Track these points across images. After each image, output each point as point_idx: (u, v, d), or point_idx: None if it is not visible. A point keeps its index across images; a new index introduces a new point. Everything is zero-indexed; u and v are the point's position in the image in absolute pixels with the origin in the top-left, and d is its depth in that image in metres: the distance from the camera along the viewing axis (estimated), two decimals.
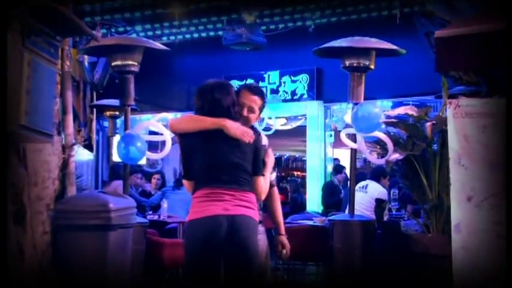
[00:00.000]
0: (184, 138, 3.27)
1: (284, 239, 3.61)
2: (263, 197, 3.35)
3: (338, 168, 9.22)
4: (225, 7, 7.83)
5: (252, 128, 3.31)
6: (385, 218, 6.37)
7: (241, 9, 7.81)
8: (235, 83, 8.97)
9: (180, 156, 3.37)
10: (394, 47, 5.30)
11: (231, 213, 3.13)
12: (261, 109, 3.50)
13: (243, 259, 3.15)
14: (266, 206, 3.63)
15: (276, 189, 3.64)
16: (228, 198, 3.16)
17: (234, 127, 3.20)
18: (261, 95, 3.50)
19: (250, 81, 9.27)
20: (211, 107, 3.23)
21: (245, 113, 3.42)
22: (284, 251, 3.60)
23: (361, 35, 5.41)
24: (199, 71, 9.35)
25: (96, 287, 4.04)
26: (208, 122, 3.21)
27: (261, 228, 3.43)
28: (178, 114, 9.23)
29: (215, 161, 3.20)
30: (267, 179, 3.36)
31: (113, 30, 8.28)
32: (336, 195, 8.65)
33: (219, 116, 3.22)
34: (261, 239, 3.41)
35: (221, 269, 3.18)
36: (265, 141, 3.45)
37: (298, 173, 18.87)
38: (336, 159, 10.42)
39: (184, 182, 3.34)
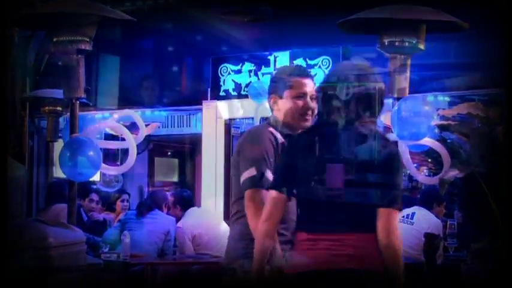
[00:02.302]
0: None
1: None
2: (394, 242, 2.92)
3: None
4: None
5: (372, 129, 3.09)
6: (439, 261, 6.37)
7: None
8: (229, 68, 9.00)
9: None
10: (453, 19, 5.32)
11: (325, 268, 2.92)
12: None
13: None
14: None
15: None
16: (324, 246, 2.95)
17: None
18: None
19: (249, 65, 9.27)
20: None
21: (314, 103, 3.49)
22: None
23: (406, 2, 5.43)
24: (177, 51, 9.35)
25: None
26: None
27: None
28: (148, 112, 9.26)
29: (309, 191, 3.02)
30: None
31: None
32: None
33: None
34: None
35: None
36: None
37: None
38: None
39: (272, 194, 3.08)
